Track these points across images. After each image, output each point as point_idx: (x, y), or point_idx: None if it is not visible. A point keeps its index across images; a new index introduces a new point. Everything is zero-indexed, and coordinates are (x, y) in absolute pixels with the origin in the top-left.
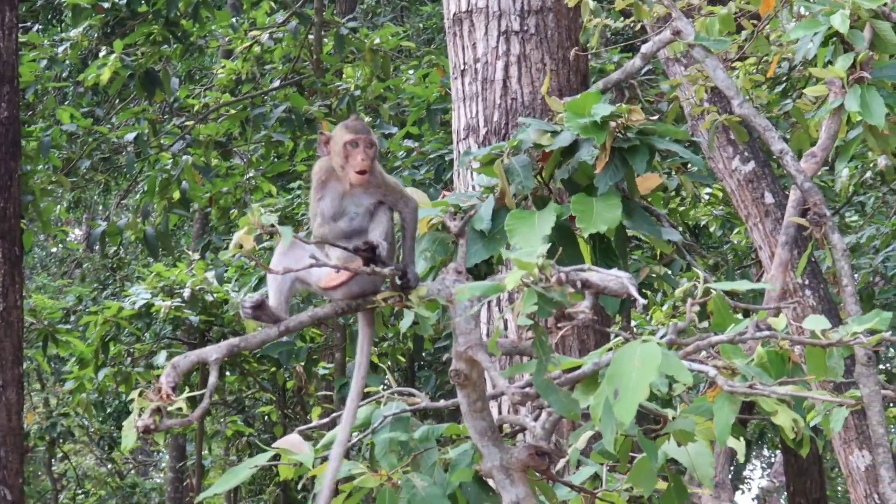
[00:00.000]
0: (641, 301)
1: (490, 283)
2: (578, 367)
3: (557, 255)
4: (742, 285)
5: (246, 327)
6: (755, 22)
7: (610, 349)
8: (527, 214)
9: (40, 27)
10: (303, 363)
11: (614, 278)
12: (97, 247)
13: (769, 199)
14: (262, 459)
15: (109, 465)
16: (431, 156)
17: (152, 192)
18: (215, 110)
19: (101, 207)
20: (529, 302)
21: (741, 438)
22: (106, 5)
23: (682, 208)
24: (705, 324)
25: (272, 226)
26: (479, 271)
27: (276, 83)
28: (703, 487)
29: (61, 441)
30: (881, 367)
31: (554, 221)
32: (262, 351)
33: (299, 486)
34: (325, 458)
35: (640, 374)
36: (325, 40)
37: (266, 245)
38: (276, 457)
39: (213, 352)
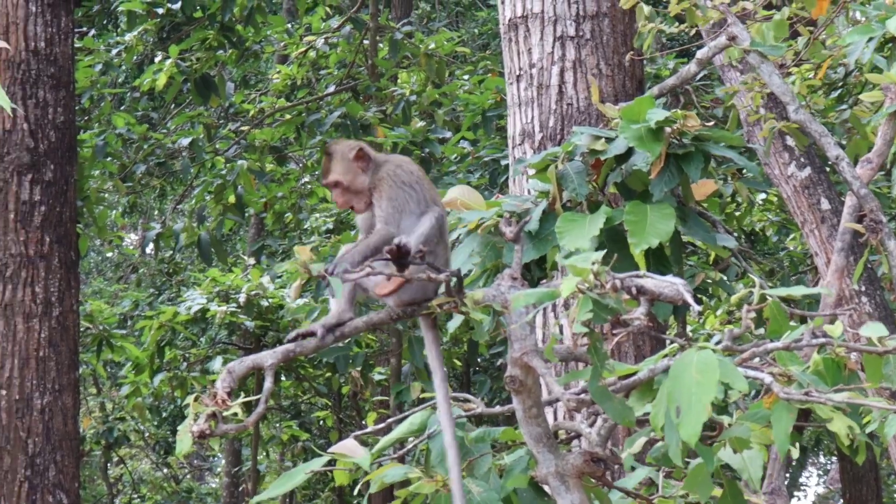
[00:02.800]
0: (696, 307)
1: (545, 289)
2: (634, 374)
3: (612, 262)
4: (798, 291)
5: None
6: (811, 28)
7: (665, 355)
8: (578, 217)
9: (95, 32)
10: (359, 368)
11: (669, 284)
12: (150, 249)
13: (825, 205)
14: (317, 464)
15: (165, 470)
16: (486, 160)
17: (203, 195)
18: (270, 115)
19: (156, 212)
20: (585, 308)
21: (797, 444)
22: (160, 11)
23: (738, 213)
24: (761, 330)
25: (320, 274)
26: (532, 276)
27: (332, 88)
28: (759, 494)
29: (117, 445)
30: None
31: (603, 222)
32: (318, 356)
33: (354, 492)
34: (380, 465)
35: (700, 389)
36: (380, 45)
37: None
38: (332, 462)
39: (268, 357)
